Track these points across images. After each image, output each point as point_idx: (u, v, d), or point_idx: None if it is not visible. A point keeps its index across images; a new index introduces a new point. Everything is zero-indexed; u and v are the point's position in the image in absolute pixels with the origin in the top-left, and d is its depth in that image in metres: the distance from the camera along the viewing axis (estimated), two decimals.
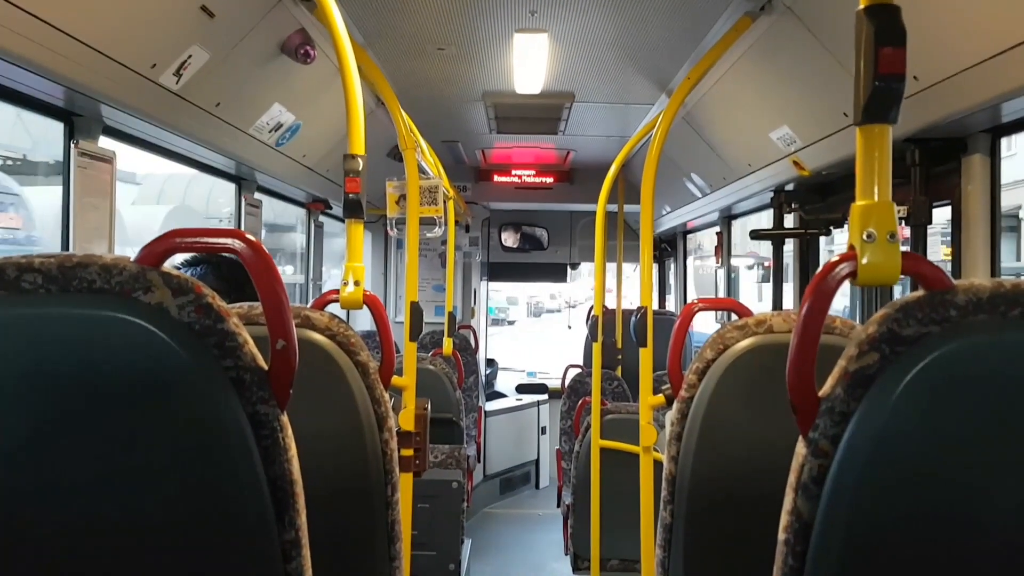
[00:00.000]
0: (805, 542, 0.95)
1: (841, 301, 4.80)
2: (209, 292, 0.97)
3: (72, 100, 2.40)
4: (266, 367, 0.99)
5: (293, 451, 1.01)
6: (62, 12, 1.97)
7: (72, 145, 2.52)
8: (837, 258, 0.98)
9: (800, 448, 0.97)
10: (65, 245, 2.50)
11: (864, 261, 0.97)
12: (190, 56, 2.54)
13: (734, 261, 5.66)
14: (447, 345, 5.17)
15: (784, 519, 0.98)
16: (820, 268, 0.98)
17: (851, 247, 0.98)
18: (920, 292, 0.93)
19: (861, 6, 0.99)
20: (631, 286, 6.38)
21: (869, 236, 0.97)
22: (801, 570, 0.95)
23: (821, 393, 0.95)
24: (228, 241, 0.99)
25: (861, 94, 0.99)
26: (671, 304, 7.52)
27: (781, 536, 0.98)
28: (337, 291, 2.04)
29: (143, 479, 0.94)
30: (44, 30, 1.93)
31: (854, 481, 0.91)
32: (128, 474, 0.94)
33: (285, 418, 1.00)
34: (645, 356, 2.97)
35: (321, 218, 5.55)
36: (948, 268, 2.65)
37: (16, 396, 0.92)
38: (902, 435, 0.89)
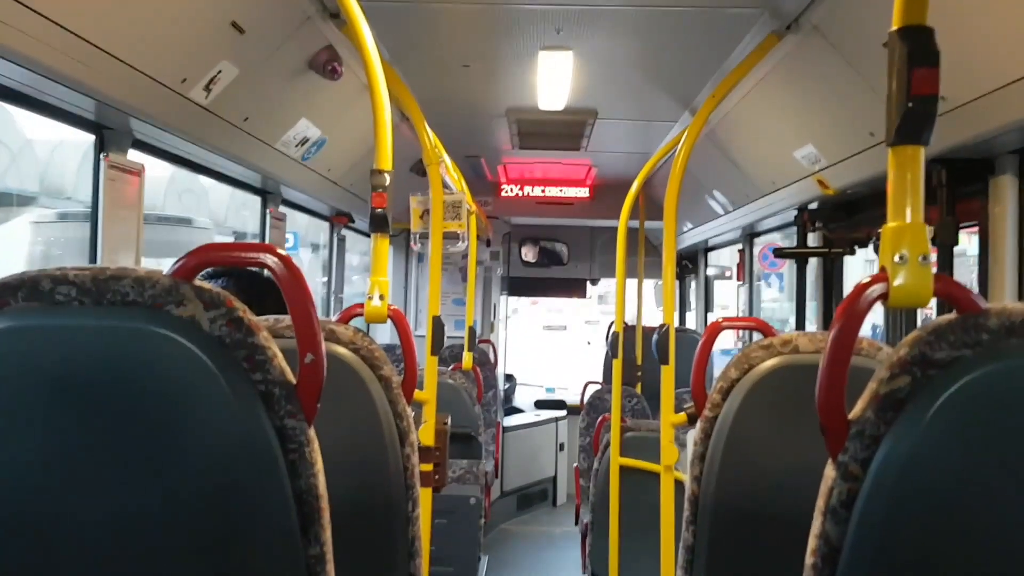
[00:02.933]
0: (833, 567, 0.94)
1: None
2: (240, 306, 0.98)
3: (103, 114, 2.44)
4: (294, 381, 0.99)
5: (319, 465, 1.01)
6: (95, 27, 2.00)
7: (102, 158, 2.55)
8: (868, 279, 0.98)
9: (829, 471, 0.96)
10: (93, 257, 2.53)
11: (896, 283, 0.96)
12: (220, 71, 2.57)
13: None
14: (467, 359, 5.17)
15: (812, 543, 0.97)
16: (852, 290, 0.98)
17: (882, 269, 0.97)
18: (952, 315, 0.92)
19: (894, 27, 0.99)
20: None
21: (901, 258, 0.96)
22: None
23: (851, 416, 0.94)
24: (261, 256, 1.00)
25: (893, 115, 0.98)
26: (691, 321, 7.49)
27: (809, 560, 0.97)
28: (362, 305, 2.05)
29: (170, 489, 0.95)
30: (77, 44, 1.97)
31: (884, 505, 0.89)
32: (155, 484, 0.94)
33: (312, 432, 1.01)
34: (667, 374, 2.96)
35: (344, 231, 5.59)
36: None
37: (48, 407, 0.94)
38: (933, 459, 0.88)
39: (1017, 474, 0.87)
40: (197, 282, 0.99)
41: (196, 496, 0.95)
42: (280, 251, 1.01)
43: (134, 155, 2.72)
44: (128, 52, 2.16)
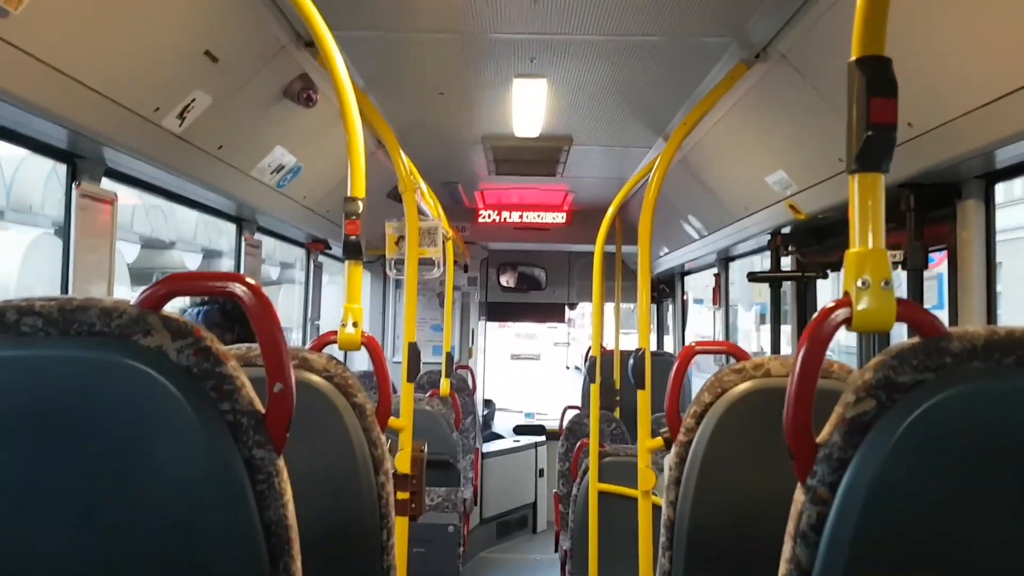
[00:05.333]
0: None
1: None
2: (208, 335, 0.97)
3: (75, 142, 2.43)
4: (263, 410, 0.99)
5: (289, 496, 1.01)
6: (67, 56, 2.00)
7: (74, 187, 2.53)
8: (833, 304, 0.99)
9: (798, 495, 0.97)
10: (64, 287, 2.51)
11: (859, 308, 0.98)
12: (193, 100, 2.57)
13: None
14: (444, 386, 5.15)
15: (783, 567, 0.97)
16: (816, 314, 0.99)
17: (846, 294, 0.99)
18: (916, 339, 0.94)
19: (853, 57, 1.01)
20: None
21: (864, 283, 0.98)
22: None
23: (819, 439, 0.95)
24: (229, 285, 1.00)
25: (854, 143, 1.00)
26: (668, 345, 7.51)
27: None
28: (336, 332, 2.05)
29: (137, 522, 0.93)
30: (49, 74, 1.96)
31: (852, 529, 0.90)
32: (122, 516, 0.93)
33: (281, 462, 1.00)
34: (643, 398, 2.96)
35: (320, 258, 5.57)
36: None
37: (14, 438, 0.92)
38: (899, 482, 0.89)
39: (980, 495, 0.88)
40: (168, 313, 0.98)
41: (163, 527, 0.94)
42: (249, 280, 1.01)
43: (107, 184, 2.71)
44: (101, 81, 2.15)
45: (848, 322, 0.98)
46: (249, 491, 0.96)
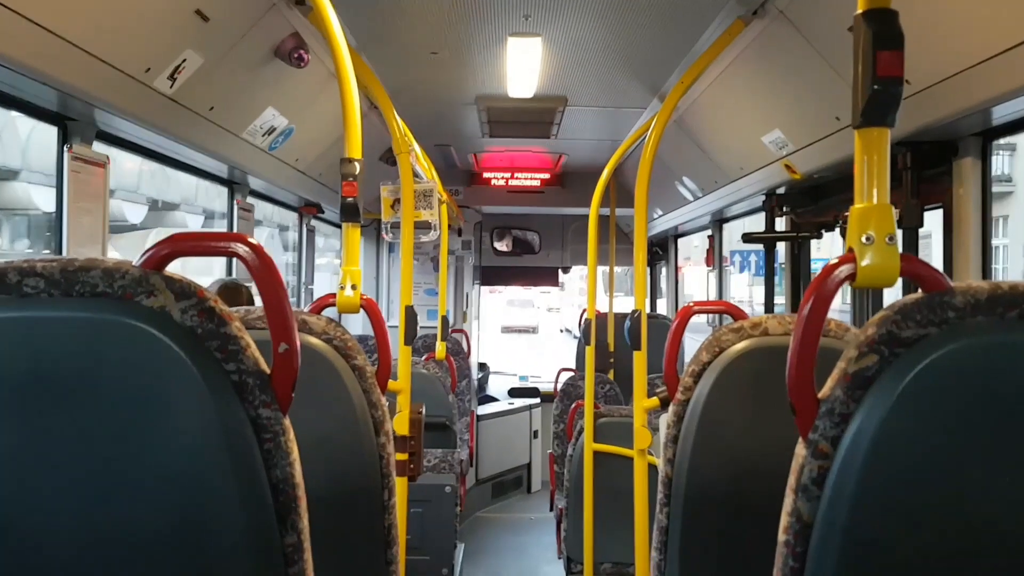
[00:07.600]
0: (805, 543, 0.96)
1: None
2: (212, 296, 0.97)
3: (66, 104, 2.39)
4: (268, 371, 0.99)
5: (295, 454, 1.01)
6: (56, 16, 1.96)
7: (66, 149, 2.51)
8: (836, 260, 0.99)
9: (800, 449, 0.98)
10: (59, 250, 2.49)
11: (863, 263, 0.98)
12: (184, 60, 2.53)
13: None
14: (440, 349, 5.16)
15: (784, 520, 0.98)
16: (820, 271, 0.99)
17: (850, 249, 0.99)
18: (919, 294, 0.94)
19: (860, 10, 1.00)
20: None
21: (868, 239, 0.98)
22: (801, 571, 0.96)
23: (820, 395, 0.96)
24: (231, 245, 1.00)
25: (859, 97, 1.00)
26: (662, 307, 7.53)
27: (781, 537, 0.98)
28: (334, 295, 2.04)
29: (145, 482, 0.94)
30: (38, 34, 1.93)
31: (854, 482, 0.91)
32: (130, 477, 0.94)
33: (287, 422, 1.00)
34: (639, 359, 2.98)
35: (313, 222, 5.54)
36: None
37: (18, 399, 0.92)
38: (902, 436, 0.90)
39: (983, 448, 0.89)
40: (171, 273, 0.98)
41: (171, 487, 0.94)
42: (251, 240, 1.00)
43: (98, 147, 2.68)
44: (90, 41, 2.12)
45: (852, 278, 0.98)
46: (256, 450, 0.96)
